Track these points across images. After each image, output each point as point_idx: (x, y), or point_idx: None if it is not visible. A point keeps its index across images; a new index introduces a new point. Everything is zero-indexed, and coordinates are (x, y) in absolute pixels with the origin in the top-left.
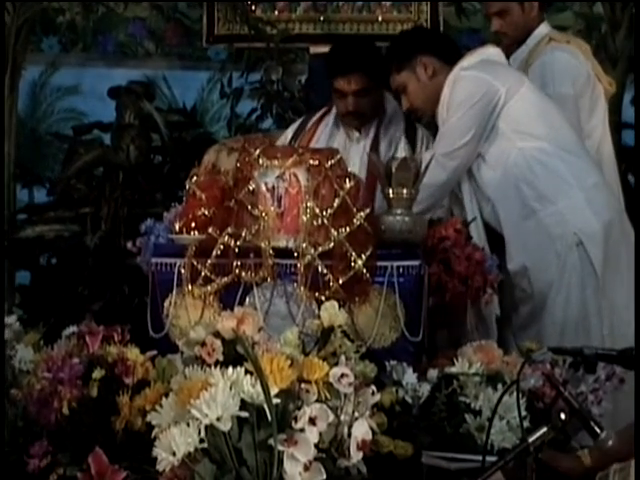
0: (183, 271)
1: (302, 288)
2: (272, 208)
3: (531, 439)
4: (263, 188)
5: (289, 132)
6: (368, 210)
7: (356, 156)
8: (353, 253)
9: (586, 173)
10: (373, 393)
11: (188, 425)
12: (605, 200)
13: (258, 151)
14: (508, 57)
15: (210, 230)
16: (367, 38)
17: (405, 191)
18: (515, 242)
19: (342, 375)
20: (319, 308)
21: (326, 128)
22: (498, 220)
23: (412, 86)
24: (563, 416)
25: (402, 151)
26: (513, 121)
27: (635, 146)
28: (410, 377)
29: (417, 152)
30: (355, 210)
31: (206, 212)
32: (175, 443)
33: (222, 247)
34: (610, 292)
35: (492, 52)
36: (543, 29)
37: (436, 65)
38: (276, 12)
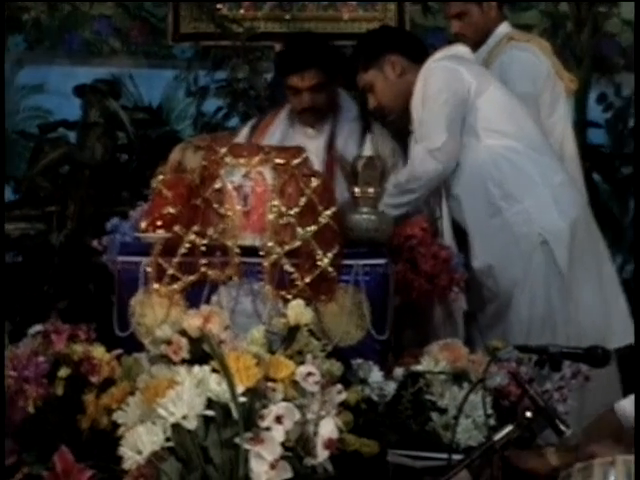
0: (149, 269)
1: (268, 287)
2: (238, 207)
3: (497, 437)
4: (229, 187)
5: (245, 130)
6: (334, 209)
7: (312, 153)
8: (319, 252)
9: (552, 171)
10: (339, 392)
11: (154, 424)
12: (571, 199)
13: (224, 150)
14: None
15: (176, 228)
16: (320, 35)
17: (371, 190)
18: (480, 240)
19: (308, 374)
20: (285, 307)
21: (280, 126)
22: (463, 217)
23: (380, 85)
24: (529, 414)
25: (368, 150)
26: (481, 118)
27: (635, 148)
28: (376, 375)
29: (375, 149)
30: (321, 209)
31: (172, 210)
32: (141, 442)
33: (188, 245)
34: (576, 291)
35: (462, 50)
36: (503, 28)
37: (404, 64)
38: (242, 10)
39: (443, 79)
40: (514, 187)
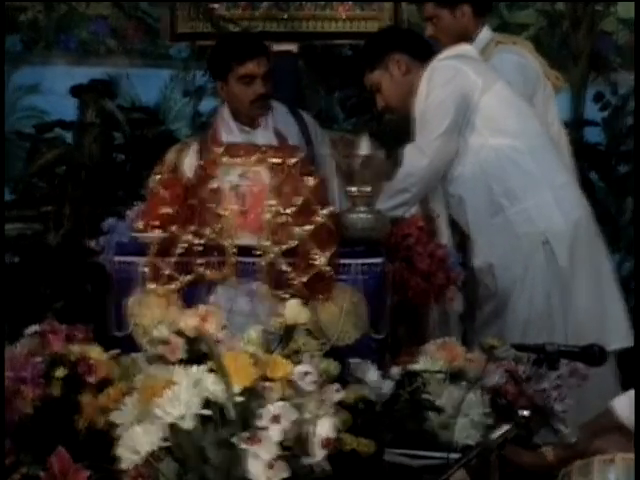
0: (146, 269)
1: (265, 286)
2: (235, 206)
3: (494, 436)
4: (226, 186)
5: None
6: (331, 208)
7: None
8: (316, 251)
9: (556, 172)
10: (337, 391)
11: (151, 424)
12: (574, 200)
13: (221, 149)
14: None
15: (173, 228)
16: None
17: (368, 189)
18: (481, 239)
19: (305, 373)
20: (282, 306)
21: (228, 134)
22: (465, 216)
23: (386, 84)
24: (526, 413)
25: (364, 149)
26: (486, 117)
27: (635, 148)
28: (373, 375)
29: (312, 137)
30: (318, 208)
31: (169, 210)
32: (138, 442)
33: (185, 245)
34: (575, 291)
35: (467, 48)
36: (486, 34)
37: (409, 62)
38: (239, 10)
39: (446, 78)
40: (516, 186)
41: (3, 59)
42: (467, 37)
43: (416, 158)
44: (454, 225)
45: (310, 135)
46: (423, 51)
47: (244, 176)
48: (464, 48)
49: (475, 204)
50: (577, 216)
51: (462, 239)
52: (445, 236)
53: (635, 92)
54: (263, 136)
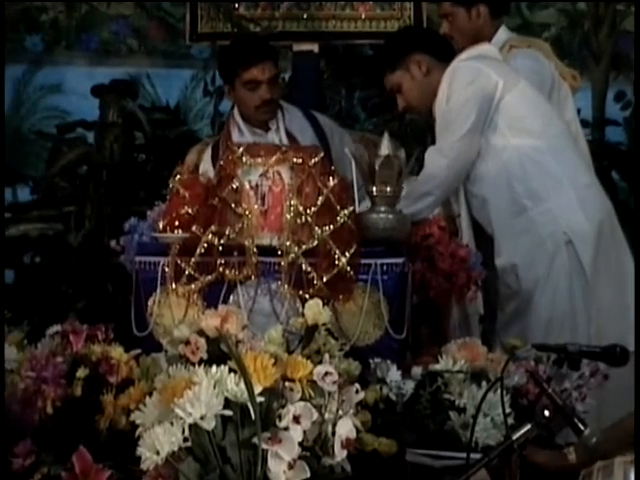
0: (167, 270)
1: (286, 286)
2: (256, 206)
3: (515, 436)
4: (247, 186)
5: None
6: (352, 208)
7: None
8: (337, 251)
9: (579, 172)
10: (357, 391)
11: (172, 424)
12: (597, 200)
13: (241, 149)
14: None
15: (194, 228)
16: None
17: (388, 189)
18: (505, 239)
19: (326, 373)
20: (303, 306)
21: (239, 137)
22: (488, 216)
23: (407, 85)
24: (547, 413)
25: (385, 149)
26: (509, 117)
27: (635, 147)
28: (394, 375)
29: (329, 138)
30: (339, 208)
31: (190, 210)
32: (159, 442)
33: (206, 245)
34: (598, 291)
35: (488, 49)
36: (502, 35)
37: (430, 62)
38: (259, 10)
39: (467, 79)
40: (539, 187)
41: (3, 59)
42: (481, 38)
43: (437, 160)
44: (475, 225)
45: (327, 138)
46: (444, 51)
47: (265, 176)
48: (485, 48)
49: (498, 204)
50: (600, 216)
51: (482, 239)
52: (466, 236)
53: (635, 92)
54: (274, 139)
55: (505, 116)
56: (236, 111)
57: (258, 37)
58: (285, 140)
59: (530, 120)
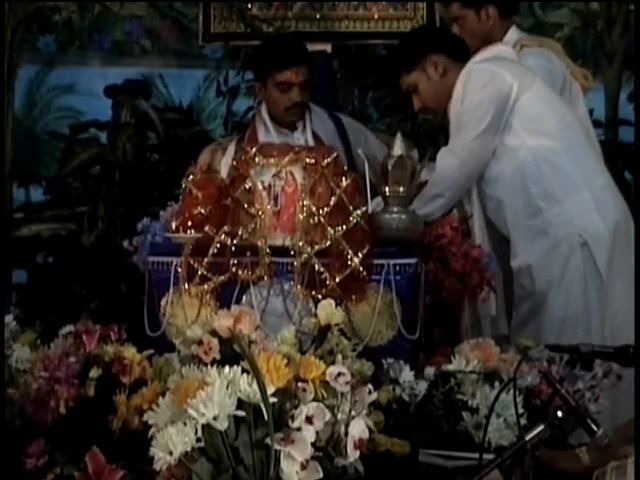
0: (180, 270)
1: (299, 286)
2: (268, 206)
3: (528, 437)
4: (259, 186)
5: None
6: (364, 208)
7: None
8: (350, 251)
9: (594, 174)
10: (370, 392)
11: (185, 424)
12: (613, 202)
13: (254, 150)
14: None
15: (207, 229)
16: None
17: (401, 189)
18: (520, 240)
19: (339, 374)
20: (316, 306)
21: (265, 135)
22: (504, 218)
23: (423, 85)
24: (560, 414)
25: (398, 149)
26: (524, 118)
27: (635, 146)
28: (407, 375)
29: (352, 140)
30: (351, 208)
31: (202, 211)
32: (172, 442)
33: (219, 246)
34: (613, 294)
35: (503, 49)
36: (512, 36)
37: (446, 63)
38: (272, 10)
39: (482, 82)
40: (554, 188)
41: (4, 59)
42: (492, 39)
43: (448, 161)
44: (489, 226)
45: (349, 140)
46: (460, 51)
47: (277, 176)
48: (499, 49)
49: (514, 206)
50: (616, 218)
51: (495, 240)
52: (479, 237)
53: (635, 91)
54: (300, 139)
55: (520, 117)
56: (264, 109)
57: (295, 39)
58: (311, 140)
59: (545, 121)
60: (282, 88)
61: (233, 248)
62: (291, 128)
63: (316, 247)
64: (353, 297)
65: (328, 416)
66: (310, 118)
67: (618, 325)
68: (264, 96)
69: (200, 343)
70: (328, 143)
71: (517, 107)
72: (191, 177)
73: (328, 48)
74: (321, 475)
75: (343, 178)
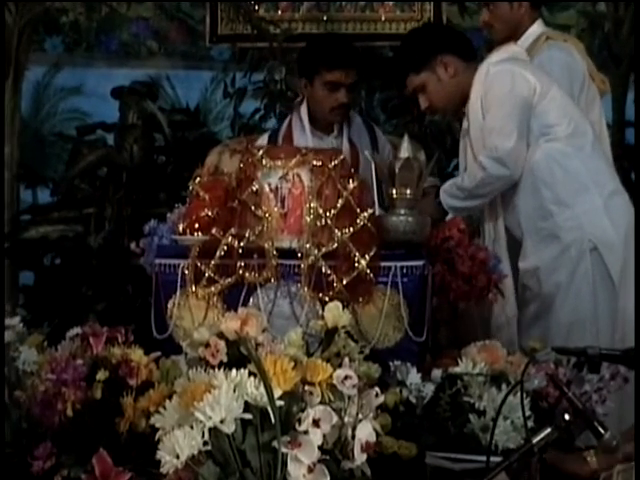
0: (187, 272)
1: (306, 289)
2: (275, 209)
3: (535, 439)
4: (266, 189)
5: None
6: (372, 210)
7: None
8: (357, 253)
9: (606, 178)
10: (377, 394)
11: (192, 427)
12: (622, 207)
13: (261, 152)
14: None
15: (213, 231)
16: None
17: (408, 191)
18: (531, 242)
19: (346, 377)
20: (323, 309)
21: (301, 135)
22: (517, 220)
23: (432, 86)
24: (567, 416)
25: (405, 151)
26: (542, 122)
27: (635, 146)
28: (414, 377)
29: (380, 149)
30: (359, 210)
31: (209, 213)
32: (179, 445)
33: (226, 248)
34: (623, 298)
35: (517, 50)
36: (537, 28)
37: (457, 64)
38: (279, 12)
39: (509, 84)
40: (565, 192)
41: (4, 59)
42: (520, 28)
43: (497, 169)
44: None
45: (379, 147)
46: (468, 50)
47: (285, 178)
48: (515, 50)
49: (526, 208)
50: (626, 223)
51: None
52: (489, 239)
53: (635, 91)
54: (333, 143)
55: (538, 121)
56: (304, 108)
57: (348, 40)
58: (347, 145)
59: (560, 125)
60: (330, 88)
61: (240, 250)
62: (327, 132)
63: (323, 249)
64: (360, 299)
65: (335, 419)
66: (348, 124)
67: (629, 330)
68: (308, 94)
69: (207, 345)
70: (363, 152)
71: (537, 110)
72: (198, 179)
73: None
74: (328, 478)
75: (350, 180)
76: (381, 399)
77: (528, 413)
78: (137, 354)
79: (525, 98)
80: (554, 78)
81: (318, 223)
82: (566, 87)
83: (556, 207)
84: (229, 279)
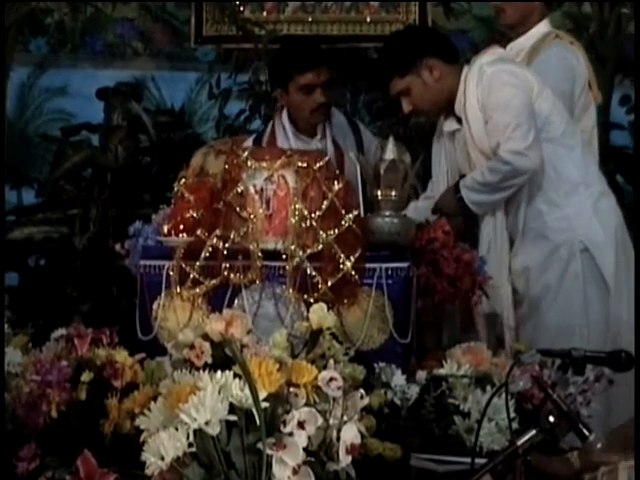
0: (172, 273)
1: (291, 290)
2: (260, 210)
3: (520, 441)
4: (251, 190)
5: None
6: (356, 212)
7: None
8: (342, 255)
9: (595, 180)
10: (362, 396)
11: (177, 429)
12: (611, 208)
13: (246, 153)
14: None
15: (198, 232)
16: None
17: (393, 193)
18: (522, 242)
19: (331, 379)
20: (308, 310)
21: (284, 140)
22: (511, 221)
23: (417, 89)
24: (552, 418)
25: (390, 153)
26: (538, 119)
27: (635, 148)
28: (399, 379)
29: (365, 148)
30: (344, 212)
31: (194, 214)
32: (164, 447)
33: (210, 249)
34: (614, 299)
35: (505, 52)
36: (543, 27)
37: (441, 66)
38: (264, 13)
39: (514, 80)
40: (556, 193)
41: (4, 59)
42: (529, 20)
43: (524, 163)
44: None
45: (364, 146)
46: (452, 53)
47: (270, 180)
48: (502, 52)
49: (517, 207)
50: (615, 225)
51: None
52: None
53: (635, 91)
54: (318, 146)
55: (536, 119)
56: (284, 115)
57: (311, 41)
58: (331, 147)
59: (554, 124)
60: (305, 91)
61: (225, 252)
62: (310, 135)
63: (308, 251)
64: (345, 301)
65: (320, 421)
66: (330, 124)
67: (620, 332)
68: (286, 102)
69: (192, 347)
70: (345, 150)
71: (534, 109)
72: (183, 180)
73: None
74: None
75: (335, 182)
76: (366, 401)
77: (513, 415)
78: (122, 355)
79: (529, 95)
80: (556, 74)
81: (303, 224)
82: (568, 86)
83: (546, 206)
84: (214, 280)
